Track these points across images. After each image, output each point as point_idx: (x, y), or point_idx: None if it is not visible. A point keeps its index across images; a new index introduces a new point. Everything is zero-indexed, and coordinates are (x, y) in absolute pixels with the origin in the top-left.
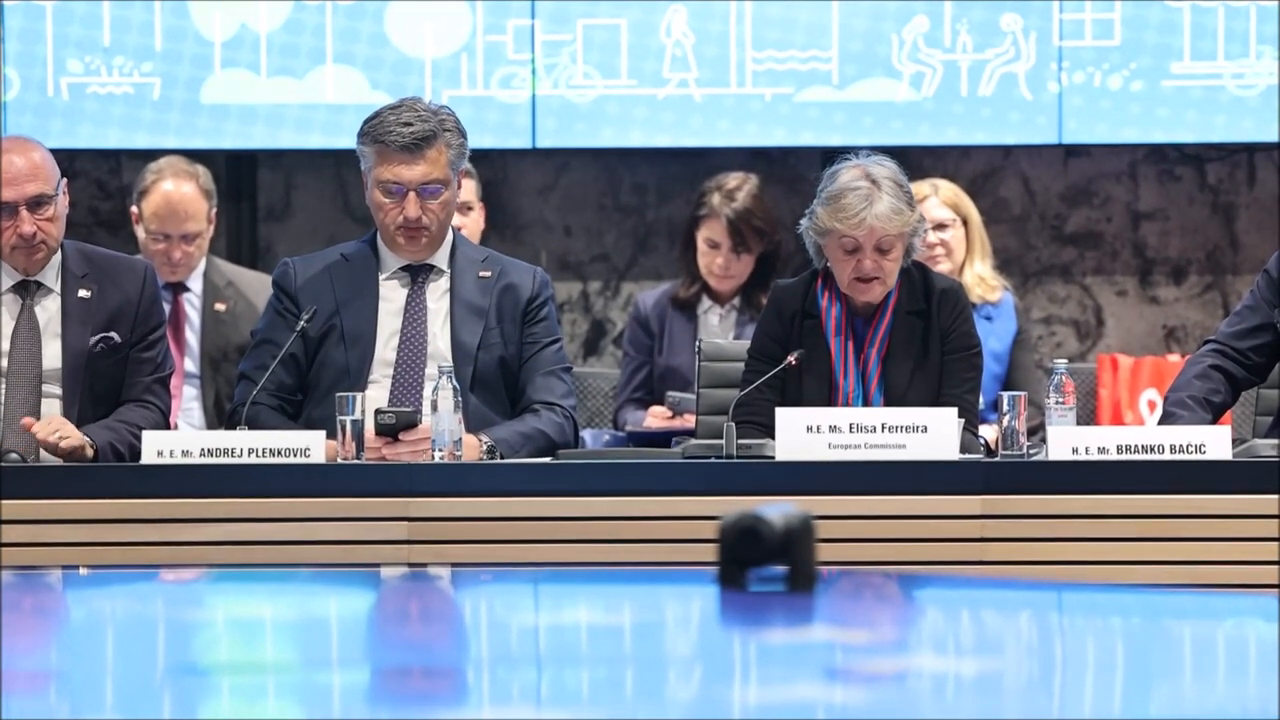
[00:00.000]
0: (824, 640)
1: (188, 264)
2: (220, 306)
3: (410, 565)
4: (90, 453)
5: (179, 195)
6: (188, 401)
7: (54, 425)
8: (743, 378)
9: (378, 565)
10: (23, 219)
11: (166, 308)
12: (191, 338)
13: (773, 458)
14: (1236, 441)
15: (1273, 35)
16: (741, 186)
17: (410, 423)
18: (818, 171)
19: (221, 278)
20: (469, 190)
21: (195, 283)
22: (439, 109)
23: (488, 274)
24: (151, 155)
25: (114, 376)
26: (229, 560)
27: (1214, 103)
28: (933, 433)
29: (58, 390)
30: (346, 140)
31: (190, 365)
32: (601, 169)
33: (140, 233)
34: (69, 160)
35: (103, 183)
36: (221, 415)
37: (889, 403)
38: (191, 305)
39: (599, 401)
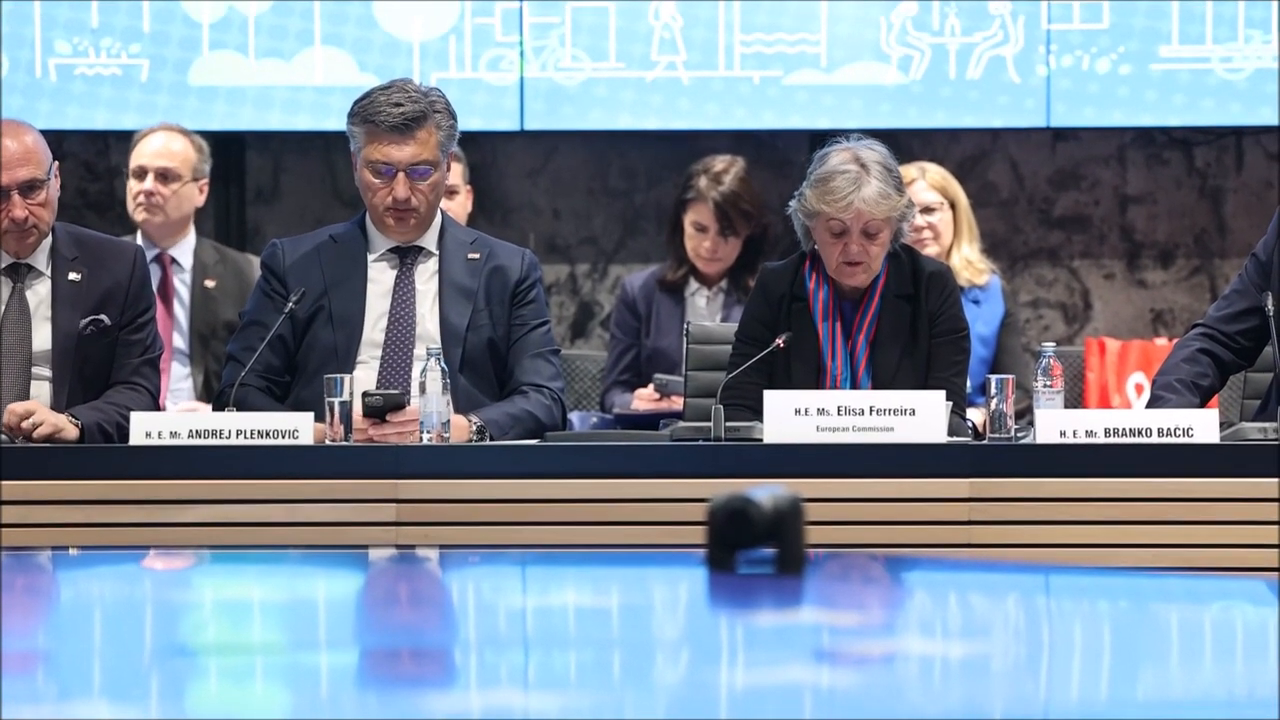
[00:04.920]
0: (812, 622)
1: (163, 208)
2: (210, 283)
3: (398, 547)
4: (73, 433)
5: (166, 137)
6: (178, 380)
7: (23, 410)
8: (730, 360)
9: (366, 547)
10: (14, 203)
11: (156, 281)
12: (181, 314)
13: (761, 440)
14: (1224, 425)
15: (1260, 19)
16: (728, 169)
17: (398, 404)
18: (806, 154)
19: (211, 255)
20: (455, 173)
21: (185, 258)
22: (429, 90)
23: (476, 256)
24: None
25: (103, 359)
26: (217, 541)
27: (1202, 86)
28: (920, 416)
29: (47, 373)
30: (335, 122)
31: (180, 342)
32: (589, 152)
33: (130, 186)
34: (57, 141)
35: (90, 164)
36: (212, 392)
37: (877, 386)
38: (182, 281)
39: (586, 384)
